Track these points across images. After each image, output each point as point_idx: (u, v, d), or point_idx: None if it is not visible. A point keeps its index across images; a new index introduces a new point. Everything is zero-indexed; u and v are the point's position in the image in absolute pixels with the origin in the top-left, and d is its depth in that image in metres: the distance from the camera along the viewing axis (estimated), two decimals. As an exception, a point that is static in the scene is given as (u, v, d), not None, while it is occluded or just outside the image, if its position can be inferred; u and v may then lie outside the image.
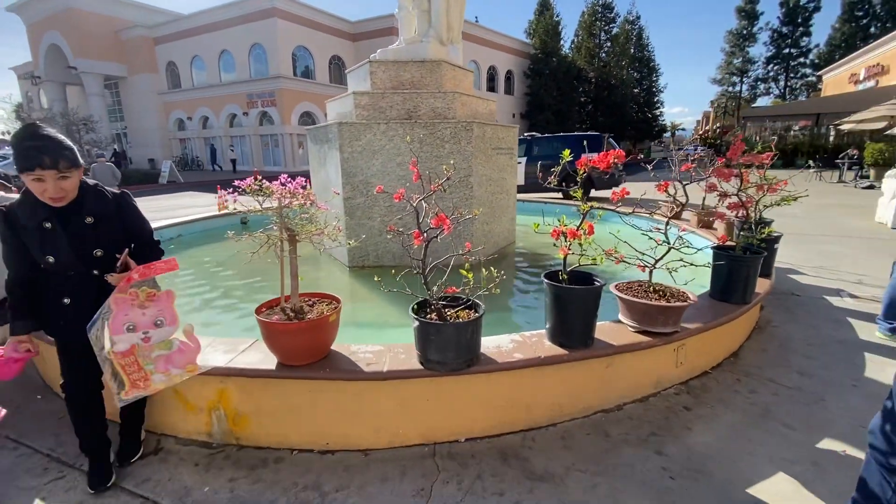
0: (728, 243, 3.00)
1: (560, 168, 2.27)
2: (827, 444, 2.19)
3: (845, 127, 18.53)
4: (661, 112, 47.90)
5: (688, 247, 2.43)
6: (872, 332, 3.42)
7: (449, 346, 1.99)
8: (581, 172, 2.19)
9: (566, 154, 2.16)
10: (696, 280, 2.57)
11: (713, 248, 3.12)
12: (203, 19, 28.35)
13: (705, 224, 5.51)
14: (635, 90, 44.32)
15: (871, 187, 13.85)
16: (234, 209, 1.91)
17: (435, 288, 2.08)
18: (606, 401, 2.46)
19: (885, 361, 2.99)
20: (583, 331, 2.29)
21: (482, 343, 2.25)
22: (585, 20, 43.27)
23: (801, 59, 42.15)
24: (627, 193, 2.19)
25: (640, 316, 2.44)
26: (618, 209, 2.37)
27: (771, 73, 43.98)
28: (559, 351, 2.24)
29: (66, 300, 1.86)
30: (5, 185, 3.46)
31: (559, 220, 2.26)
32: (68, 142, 1.76)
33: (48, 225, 1.78)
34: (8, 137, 22.59)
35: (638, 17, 45.35)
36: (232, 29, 27.23)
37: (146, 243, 2.05)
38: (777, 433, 2.27)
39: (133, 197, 2.07)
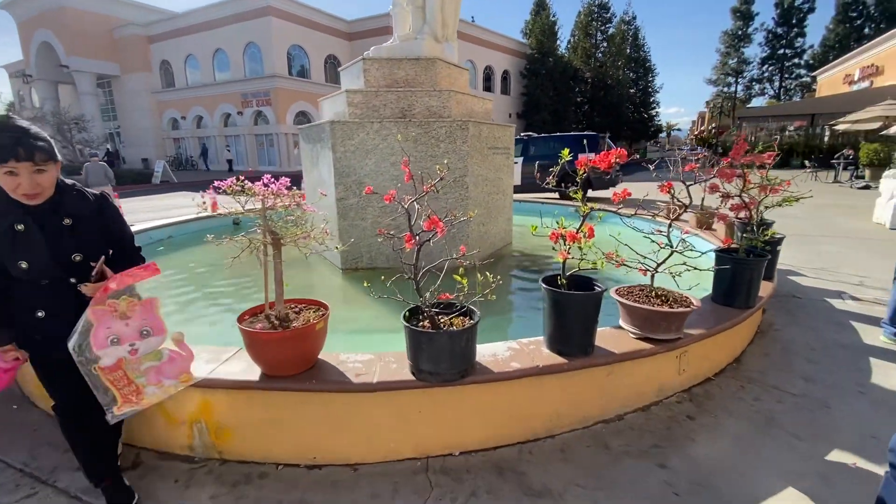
0: (732, 246, 2.90)
1: (559, 168, 2.17)
2: (835, 455, 2.10)
3: (840, 127, 18.57)
4: (657, 112, 47.98)
5: (691, 250, 2.34)
6: (876, 336, 3.34)
7: (442, 356, 1.89)
8: (581, 173, 2.09)
9: (565, 153, 2.06)
10: (700, 285, 2.48)
11: (715, 251, 3.03)
12: (197, 18, 28.09)
13: (704, 225, 5.44)
14: (631, 90, 44.34)
15: (866, 187, 13.86)
16: (219, 211, 1.79)
17: (427, 294, 1.98)
18: (607, 410, 2.37)
19: (890, 366, 2.91)
20: (582, 338, 2.19)
21: (477, 351, 2.16)
22: (582, 20, 43.25)
23: (796, 60, 42.29)
24: (629, 195, 2.10)
25: (641, 322, 2.35)
26: (619, 211, 2.27)
27: (766, 74, 44.11)
28: (558, 360, 2.15)
29: (41, 313, 1.68)
30: None
31: (557, 223, 2.16)
32: (45, 134, 1.64)
33: (21, 227, 1.64)
34: None
35: (634, 18, 45.39)
36: (226, 27, 27.00)
37: (126, 250, 1.91)
38: (783, 443, 2.19)
39: (111, 197, 1.93)
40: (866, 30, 36.56)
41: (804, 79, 41.43)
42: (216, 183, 1.84)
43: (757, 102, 44.32)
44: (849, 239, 6.75)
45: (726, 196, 2.96)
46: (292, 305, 2.20)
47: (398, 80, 4.89)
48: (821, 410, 2.45)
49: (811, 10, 40.37)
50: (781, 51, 42.19)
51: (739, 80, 45.51)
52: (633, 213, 2.27)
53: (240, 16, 26.13)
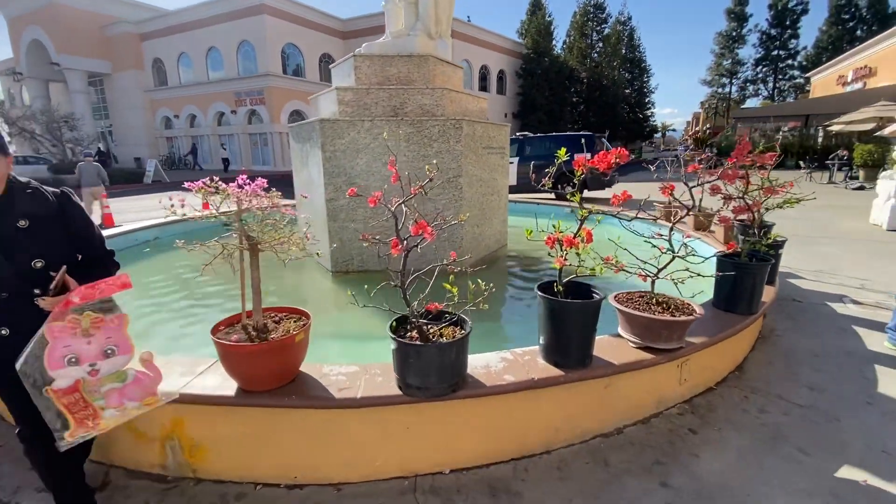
0: (736, 250, 2.79)
1: (555, 168, 2.05)
2: (846, 472, 2.00)
3: (835, 128, 18.61)
4: (652, 113, 48.08)
5: (693, 255, 2.23)
6: (880, 342, 3.25)
7: (430, 370, 1.77)
8: (579, 174, 1.97)
9: (562, 153, 1.94)
10: (704, 292, 2.37)
11: (717, 255, 2.92)
12: (190, 15, 27.76)
13: (702, 227, 5.34)
14: (627, 91, 44.39)
15: (861, 188, 13.88)
16: (183, 214, 1.66)
17: (416, 304, 1.86)
18: (605, 424, 2.25)
19: (896, 374, 2.82)
20: (580, 349, 2.07)
21: (469, 362, 2.03)
22: (577, 20, 43.23)
23: (790, 61, 42.50)
24: (630, 197, 1.98)
25: (641, 331, 2.23)
26: (618, 215, 2.15)
27: (760, 75, 44.32)
28: (554, 371, 2.03)
29: (4, 331, 1.51)
30: None
31: (554, 227, 2.04)
32: None
33: None
34: None
35: (629, 18, 45.53)
36: (219, 25, 26.70)
37: (96, 255, 1.72)
38: (791, 459, 2.08)
39: (75, 196, 1.72)
40: (858, 31, 36.79)
41: (798, 80, 41.65)
42: (186, 184, 1.70)
43: (751, 103, 44.51)
44: (846, 240, 6.69)
45: (728, 198, 2.86)
46: (272, 314, 2.06)
47: (390, 78, 4.75)
48: (828, 423, 2.34)
49: (804, 11, 40.63)
50: (775, 52, 42.40)
51: (734, 80, 45.71)
52: (633, 216, 2.15)
53: (233, 14, 25.86)
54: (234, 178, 1.74)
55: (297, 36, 27.42)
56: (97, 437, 2.04)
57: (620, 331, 2.39)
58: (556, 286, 2.09)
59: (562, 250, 1.95)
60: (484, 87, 35.23)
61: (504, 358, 2.16)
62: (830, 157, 17.15)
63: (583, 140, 9.97)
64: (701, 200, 4.96)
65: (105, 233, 6.25)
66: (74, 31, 27.74)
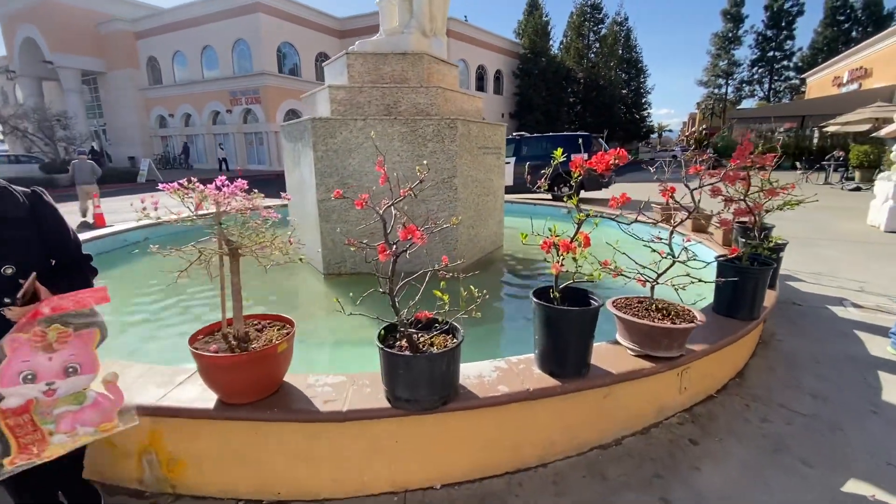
0: (737, 255, 2.72)
1: (552, 169, 1.97)
2: (852, 486, 1.92)
3: (830, 129, 18.64)
4: (648, 113, 48.14)
5: (694, 259, 2.15)
6: (883, 347, 3.19)
7: (420, 382, 1.68)
8: (576, 175, 1.89)
9: (558, 153, 1.85)
10: (706, 298, 2.29)
11: (718, 259, 2.85)
12: (185, 13, 27.54)
13: (700, 228, 5.28)
14: (623, 91, 44.43)
15: (857, 189, 13.89)
16: (157, 217, 1.56)
17: (406, 311, 1.77)
18: (603, 435, 2.17)
19: (901, 381, 2.75)
20: (577, 358, 1.99)
21: (461, 371, 1.95)
22: (574, 20, 43.23)
23: (785, 63, 42.66)
24: (629, 200, 1.90)
25: (641, 338, 2.15)
26: (616, 218, 2.07)
27: (755, 76, 44.45)
28: (550, 382, 1.94)
29: None
30: None
31: (550, 230, 1.96)
32: None
33: None
34: None
35: (626, 19, 45.60)
36: (214, 24, 26.50)
37: (70, 261, 1.60)
38: (795, 472, 2.00)
39: (49, 196, 1.59)
40: (854, 33, 36.97)
41: (793, 81, 41.80)
42: (161, 185, 1.61)
43: (747, 104, 44.68)
44: (844, 242, 6.65)
45: (729, 200, 2.78)
46: (254, 322, 1.97)
47: (384, 76, 4.66)
48: (833, 433, 2.27)
49: (800, 13, 40.80)
50: (771, 53, 42.56)
51: (730, 81, 45.85)
52: (632, 219, 2.07)
53: (228, 12, 25.67)
54: (233, 177, 1.65)
55: (293, 35, 27.26)
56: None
57: (619, 338, 2.31)
58: (553, 292, 2.01)
59: (558, 255, 1.86)
60: (481, 87, 35.15)
61: (498, 367, 2.08)
62: (827, 157, 17.17)
63: (580, 140, 9.92)
64: (699, 202, 4.92)
65: (93, 234, 6.14)
66: (68, 28, 27.48)
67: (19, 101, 28.51)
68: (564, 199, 2.03)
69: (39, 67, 28.53)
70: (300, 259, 1.76)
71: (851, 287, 4.54)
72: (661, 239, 2.31)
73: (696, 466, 2.04)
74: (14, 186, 1.52)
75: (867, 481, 1.94)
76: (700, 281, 2.08)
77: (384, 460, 1.86)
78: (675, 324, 2.11)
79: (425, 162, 2.01)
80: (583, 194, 10.62)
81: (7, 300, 1.38)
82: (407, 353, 1.67)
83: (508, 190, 9.33)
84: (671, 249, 2.18)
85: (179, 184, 1.63)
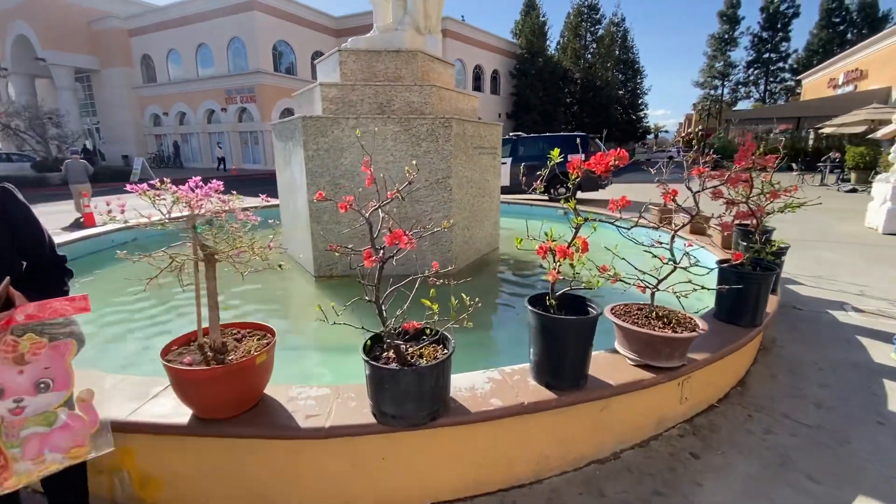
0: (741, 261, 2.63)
1: (548, 170, 1.87)
2: (861, 503, 1.83)
3: (826, 130, 18.67)
4: (645, 114, 48.22)
5: (697, 265, 2.06)
6: (885, 353, 3.11)
7: (408, 397, 1.57)
8: (574, 177, 1.79)
9: (555, 154, 1.76)
10: (708, 302, 2.20)
11: (719, 264, 2.76)
12: (180, 11, 27.32)
13: (698, 230, 5.20)
14: (620, 92, 44.48)
15: (853, 191, 13.89)
16: (126, 221, 1.46)
17: (393, 319, 1.67)
18: (601, 449, 2.08)
19: (906, 390, 2.67)
20: (575, 369, 1.89)
21: (453, 383, 1.85)
22: (571, 21, 43.23)
23: (781, 64, 42.77)
24: (629, 203, 1.80)
25: (641, 347, 2.06)
26: (616, 223, 1.97)
27: (751, 77, 44.57)
28: (546, 395, 1.84)
29: None
30: None
31: (546, 234, 1.86)
32: None
33: None
34: None
35: (623, 20, 45.64)
36: (210, 22, 26.30)
37: (44, 263, 1.49)
38: (802, 489, 1.91)
39: (20, 193, 1.47)
40: (849, 35, 37.11)
41: (788, 82, 41.95)
42: (129, 186, 1.50)
43: (742, 105, 44.81)
44: (843, 244, 6.60)
45: (731, 203, 2.69)
46: (233, 331, 1.86)
47: (377, 74, 4.56)
48: (839, 446, 2.18)
49: (796, 15, 40.92)
50: (767, 55, 42.67)
51: (726, 83, 45.94)
52: (633, 224, 1.98)
53: (223, 10, 25.48)
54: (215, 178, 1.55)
55: (289, 33, 27.10)
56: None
57: (617, 346, 2.22)
58: (549, 299, 1.91)
59: (555, 261, 1.76)
60: (478, 87, 35.08)
61: (491, 378, 1.98)
62: (823, 159, 17.19)
63: (578, 140, 9.85)
64: (697, 203, 4.84)
65: (80, 234, 6.00)
66: (61, 25, 27.20)
67: (12, 98, 28.18)
68: (561, 200, 1.94)
69: (32, 65, 28.21)
70: (279, 266, 1.65)
71: (852, 291, 4.47)
72: (661, 243, 2.22)
73: (697, 482, 1.94)
74: None
75: (876, 498, 1.86)
76: (703, 288, 1.99)
77: (370, 478, 1.76)
78: (676, 332, 2.01)
79: (414, 162, 1.91)
80: (579, 195, 10.51)
81: None
82: (393, 366, 1.57)
83: (505, 190, 9.22)
84: (672, 255, 2.08)
85: (150, 185, 1.53)
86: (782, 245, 2.92)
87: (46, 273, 1.49)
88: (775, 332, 3.47)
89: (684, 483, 1.94)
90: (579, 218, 1.81)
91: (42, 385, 1.23)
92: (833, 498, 1.86)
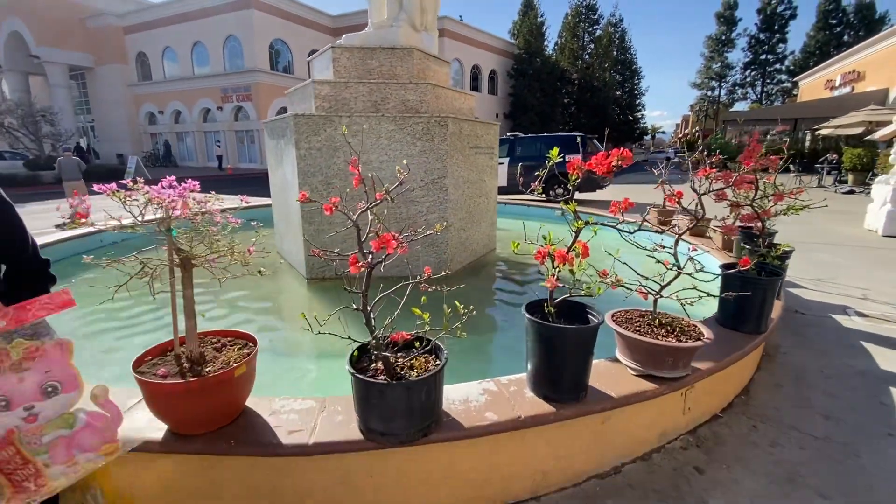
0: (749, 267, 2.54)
1: (547, 170, 1.78)
2: (875, 521, 1.75)
3: (824, 132, 18.67)
4: (642, 115, 48.29)
5: (702, 271, 1.96)
6: (892, 360, 3.03)
7: (396, 413, 1.47)
8: (574, 178, 1.69)
9: (554, 153, 1.66)
10: (710, 306, 2.10)
11: (722, 269, 2.67)
12: (175, 8, 27.09)
13: (698, 232, 5.12)
14: (618, 92, 44.51)
15: (850, 192, 13.88)
16: (92, 222, 1.35)
17: (381, 330, 1.57)
18: (601, 463, 1.98)
19: (915, 399, 2.59)
20: (574, 380, 1.80)
21: (446, 394, 1.75)
22: (569, 21, 43.23)
23: (777, 66, 42.89)
24: (632, 205, 1.71)
25: (643, 356, 1.96)
26: (618, 226, 1.87)
27: (748, 79, 44.68)
28: (544, 408, 1.75)
29: None
30: None
31: (545, 238, 1.76)
32: None
33: None
34: None
35: (621, 20, 45.69)
36: (206, 19, 26.10)
37: (27, 267, 1.39)
38: (812, 506, 1.82)
39: (2, 191, 1.34)
40: (846, 37, 37.23)
41: (785, 84, 42.05)
42: (96, 186, 1.39)
43: (739, 106, 44.91)
44: (843, 247, 6.53)
45: (735, 205, 2.60)
46: (213, 339, 1.76)
47: (371, 71, 4.45)
48: (848, 459, 2.10)
49: (792, 16, 41.04)
50: (763, 56, 42.79)
51: (723, 84, 46.05)
52: (636, 228, 1.88)
53: (219, 7, 25.29)
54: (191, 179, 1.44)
55: (286, 32, 26.93)
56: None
57: (618, 354, 2.13)
58: (547, 307, 1.81)
59: (553, 267, 1.67)
60: (475, 87, 35.00)
61: (486, 389, 1.88)
62: (820, 160, 17.18)
63: (578, 139, 9.77)
64: (697, 204, 4.76)
65: (70, 233, 5.86)
66: (55, 22, 26.94)
67: (6, 96, 27.90)
68: (561, 202, 1.84)
69: (26, 62, 27.92)
70: (259, 272, 1.55)
71: (854, 294, 4.40)
72: (664, 247, 2.12)
73: (703, 499, 1.85)
74: None
75: (890, 516, 1.77)
76: (708, 295, 1.90)
77: (357, 496, 1.66)
78: (680, 341, 1.92)
79: (405, 161, 1.81)
80: (577, 195, 10.49)
81: None
82: (381, 379, 1.47)
83: (502, 191, 9.14)
84: (676, 260, 1.99)
85: (119, 184, 1.42)
86: (787, 248, 2.83)
87: (28, 278, 1.39)
88: (779, 337, 3.39)
89: (689, 500, 1.85)
90: (580, 221, 1.71)
91: (49, 389, 1.19)
92: (845, 516, 1.78)
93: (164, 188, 1.42)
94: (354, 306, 1.54)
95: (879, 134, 12.88)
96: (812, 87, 28.78)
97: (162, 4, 27.88)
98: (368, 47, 4.43)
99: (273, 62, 26.77)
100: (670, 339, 1.95)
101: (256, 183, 16.93)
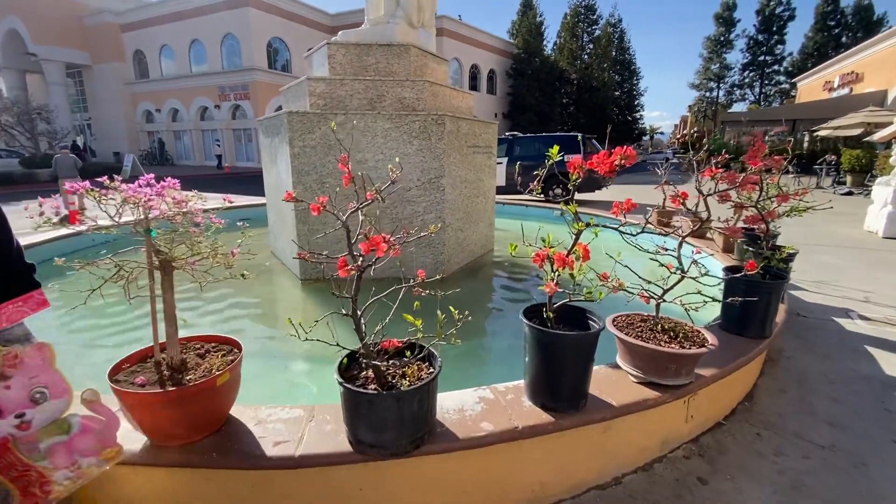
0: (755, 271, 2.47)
1: (546, 169, 1.71)
2: (885, 535, 1.68)
3: (822, 133, 18.65)
4: (641, 115, 48.29)
5: (707, 275, 1.89)
6: (896, 365, 2.97)
7: (387, 425, 1.40)
8: (574, 178, 1.62)
9: (554, 151, 1.59)
10: (712, 309, 2.03)
11: (724, 270, 2.60)
12: (173, 6, 26.94)
13: (698, 233, 5.05)
14: (616, 93, 44.48)
15: (849, 193, 13.85)
16: (55, 223, 1.28)
17: (372, 336, 1.49)
18: (602, 473, 1.91)
19: (921, 406, 2.52)
20: (574, 389, 1.72)
21: (440, 403, 1.68)
22: (568, 21, 43.19)
23: (776, 67, 42.95)
24: (635, 206, 1.64)
25: (645, 363, 1.89)
26: (620, 228, 1.80)
27: (746, 80, 44.71)
28: (542, 417, 1.67)
29: None
30: None
31: (543, 240, 1.69)
32: None
33: None
34: None
35: (620, 20, 45.67)
36: (203, 17, 25.96)
37: (11, 272, 1.32)
38: (820, 520, 1.76)
39: None
40: (844, 38, 37.29)
41: (783, 85, 42.10)
42: (67, 185, 1.31)
43: (737, 107, 44.95)
44: (844, 248, 6.48)
45: (740, 206, 2.54)
46: (197, 345, 1.68)
47: (367, 68, 4.37)
48: (855, 469, 2.03)
49: (791, 18, 41.10)
50: (762, 57, 42.83)
51: (721, 85, 46.08)
52: (641, 229, 1.81)
53: (217, 5, 25.15)
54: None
55: (284, 30, 26.81)
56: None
57: (619, 360, 2.06)
58: (546, 312, 1.74)
59: (553, 271, 1.59)
60: (474, 87, 34.94)
61: (482, 397, 1.80)
62: (819, 161, 17.16)
63: (579, 138, 9.69)
64: (697, 205, 4.70)
65: (61, 232, 5.76)
66: (52, 20, 26.78)
67: (3, 94, 27.71)
68: (561, 203, 1.77)
69: (23, 60, 27.74)
70: (242, 275, 1.47)
71: (856, 297, 4.34)
72: (666, 249, 2.05)
73: (707, 512, 1.78)
74: None
75: (900, 530, 1.71)
76: (714, 300, 1.83)
77: (346, 511, 1.58)
78: (684, 348, 1.85)
79: (398, 159, 1.74)
80: (577, 195, 10.41)
81: None
82: (371, 389, 1.40)
83: (500, 190, 9.07)
84: (680, 263, 1.92)
85: (96, 182, 1.35)
86: (791, 251, 2.77)
87: (14, 279, 1.32)
88: (781, 341, 3.33)
89: (692, 513, 1.78)
90: (580, 223, 1.64)
91: (38, 395, 1.18)
92: (853, 530, 1.71)
93: (141, 186, 1.34)
94: (344, 311, 1.46)
95: (879, 135, 12.84)
96: (810, 88, 28.79)
97: (159, 2, 27.72)
98: (365, 44, 4.35)
99: (271, 61, 26.65)
100: (673, 345, 1.88)
101: (254, 182, 16.82)
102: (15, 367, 1.15)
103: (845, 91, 23.41)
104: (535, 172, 1.78)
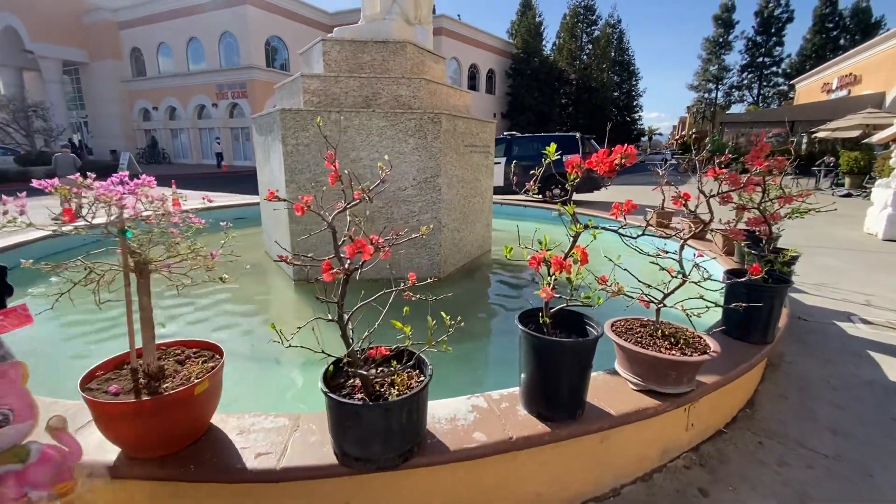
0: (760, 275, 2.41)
1: (543, 169, 1.64)
2: (893, 551, 1.62)
3: (821, 134, 18.64)
4: (639, 116, 48.30)
5: (710, 279, 1.83)
6: (900, 371, 2.91)
7: (374, 437, 1.33)
8: (573, 178, 1.55)
9: (551, 150, 1.52)
10: (711, 311, 1.96)
11: (726, 273, 2.54)
12: (170, 4, 26.82)
13: (697, 235, 4.99)
14: (615, 93, 44.47)
15: (848, 195, 13.83)
16: (28, 224, 1.20)
17: (360, 343, 1.42)
18: (599, 484, 1.84)
19: (926, 413, 2.46)
20: (571, 397, 1.65)
21: (431, 412, 1.61)
22: (567, 21, 43.15)
23: (774, 68, 43.03)
24: (635, 207, 1.57)
25: (645, 370, 1.83)
26: (620, 230, 1.73)
27: (745, 81, 44.77)
28: (538, 428, 1.60)
29: None
30: None
31: (540, 242, 1.62)
32: None
33: None
34: None
35: (619, 21, 45.68)
36: (201, 15, 25.84)
37: None
38: (826, 534, 1.69)
39: None
40: (842, 40, 37.37)
41: (782, 87, 42.16)
42: (35, 182, 1.24)
43: (736, 109, 45.00)
44: (843, 250, 6.43)
45: (742, 208, 2.47)
46: (176, 350, 1.60)
47: (363, 65, 4.30)
48: (860, 480, 1.96)
49: (789, 20, 41.17)
50: (760, 59, 42.91)
51: (720, 86, 46.13)
52: (642, 231, 1.74)
53: (215, 3, 25.03)
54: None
55: (283, 28, 26.70)
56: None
57: (618, 367, 1.99)
58: (542, 317, 1.67)
59: (549, 275, 1.53)
60: (473, 86, 34.88)
61: (476, 406, 1.73)
62: (818, 163, 17.14)
63: (578, 136, 9.66)
64: (697, 206, 4.64)
65: (41, 233, 5.66)
66: (49, 17, 26.61)
67: (0, 91, 27.52)
68: (559, 204, 1.70)
69: (20, 57, 27.57)
70: (220, 279, 1.40)
71: (857, 300, 4.29)
72: (667, 252, 1.99)
73: (708, 525, 1.72)
74: None
75: (909, 544, 1.64)
76: (716, 305, 1.76)
77: (332, 525, 1.51)
78: (685, 355, 1.78)
79: (387, 157, 1.67)
80: (575, 196, 10.36)
81: None
82: (357, 399, 1.32)
83: (498, 191, 9.02)
84: (682, 267, 1.85)
85: (67, 180, 1.27)
86: (793, 254, 2.70)
87: None
88: (783, 345, 3.26)
89: (693, 526, 1.71)
90: (578, 225, 1.57)
91: (0, 417, 1.11)
92: (860, 544, 1.65)
93: (113, 184, 1.27)
94: (329, 317, 1.39)
95: (877, 137, 12.79)
96: (808, 90, 28.82)
97: (157, 0, 27.57)
98: (360, 41, 4.28)
99: (269, 59, 26.53)
100: (674, 351, 1.81)
101: (252, 180, 16.72)
102: None
103: (843, 93, 23.43)
104: (531, 172, 1.71)
